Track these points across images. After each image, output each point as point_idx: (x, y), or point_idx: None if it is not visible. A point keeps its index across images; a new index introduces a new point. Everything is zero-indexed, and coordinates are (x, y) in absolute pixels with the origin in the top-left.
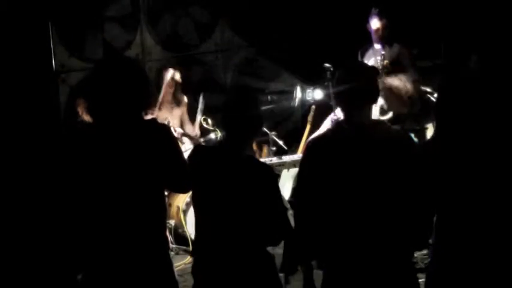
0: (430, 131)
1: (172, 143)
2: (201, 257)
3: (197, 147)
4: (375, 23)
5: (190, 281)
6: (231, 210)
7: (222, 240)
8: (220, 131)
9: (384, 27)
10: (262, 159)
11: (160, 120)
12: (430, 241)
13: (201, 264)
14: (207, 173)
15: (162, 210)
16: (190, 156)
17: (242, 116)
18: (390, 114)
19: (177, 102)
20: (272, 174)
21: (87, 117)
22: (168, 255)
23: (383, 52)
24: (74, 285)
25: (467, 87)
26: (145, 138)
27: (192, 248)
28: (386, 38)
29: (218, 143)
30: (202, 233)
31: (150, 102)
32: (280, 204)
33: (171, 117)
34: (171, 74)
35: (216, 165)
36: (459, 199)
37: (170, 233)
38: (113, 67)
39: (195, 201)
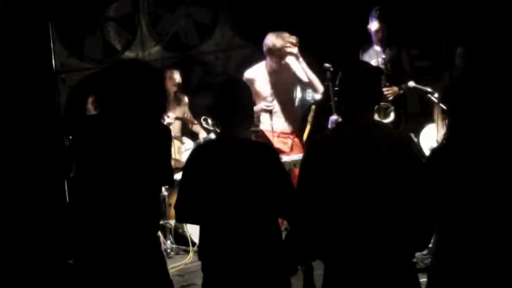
0: (428, 131)
1: (170, 145)
2: (212, 257)
3: (193, 150)
4: (374, 25)
5: (190, 280)
6: (240, 195)
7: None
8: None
9: (384, 30)
10: None
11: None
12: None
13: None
14: (208, 169)
15: (156, 206)
16: (187, 161)
17: (234, 99)
18: (392, 117)
19: (178, 102)
20: (273, 151)
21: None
22: (160, 249)
23: (383, 56)
24: (65, 269)
25: (460, 87)
26: (149, 139)
27: (199, 250)
28: (386, 39)
29: (216, 136)
30: (212, 230)
31: (164, 109)
32: (285, 176)
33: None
34: (171, 75)
35: (215, 156)
36: (465, 201)
37: (170, 233)
38: (136, 72)
39: (200, 198)
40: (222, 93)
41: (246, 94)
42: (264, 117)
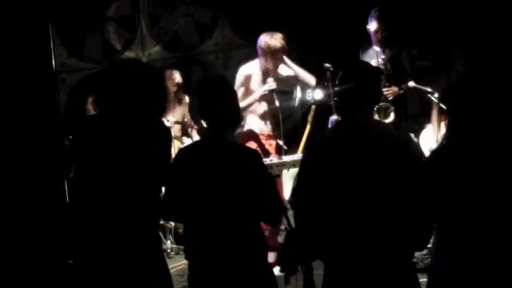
0: (428, 132)
1: (170, 145)
2: (198, 256)
3: (180, 149)
4: (373, 25)
5: None
6: (223, 197)
7: (218, 231)
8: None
9: (383, 30)
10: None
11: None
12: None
13: (198, 262)
14: (193, 169)
15: (156, 206)
16: (174, 159)
17: (221, 101)
18: (392, 117)
19: (178, 102)
20: (257, 156)
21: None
22: (161, 249)
23: (383, 56)
24: (65, 269)
25: (460, 89)
26: (149, 140)
27: (185, 251)
28: (385, 40)
29: (201, 137)
30: (195, 230)
31: (165, 109)
32: (270, 183)
33: (173, 116)
34: (171, 75)
35: (201, 157)
36: (465, 201)
37: (170, 233)
38: (140, 73)
39: (186, 199)
40: (208, 95)
41: (232, 95)
42: (251, 119)
